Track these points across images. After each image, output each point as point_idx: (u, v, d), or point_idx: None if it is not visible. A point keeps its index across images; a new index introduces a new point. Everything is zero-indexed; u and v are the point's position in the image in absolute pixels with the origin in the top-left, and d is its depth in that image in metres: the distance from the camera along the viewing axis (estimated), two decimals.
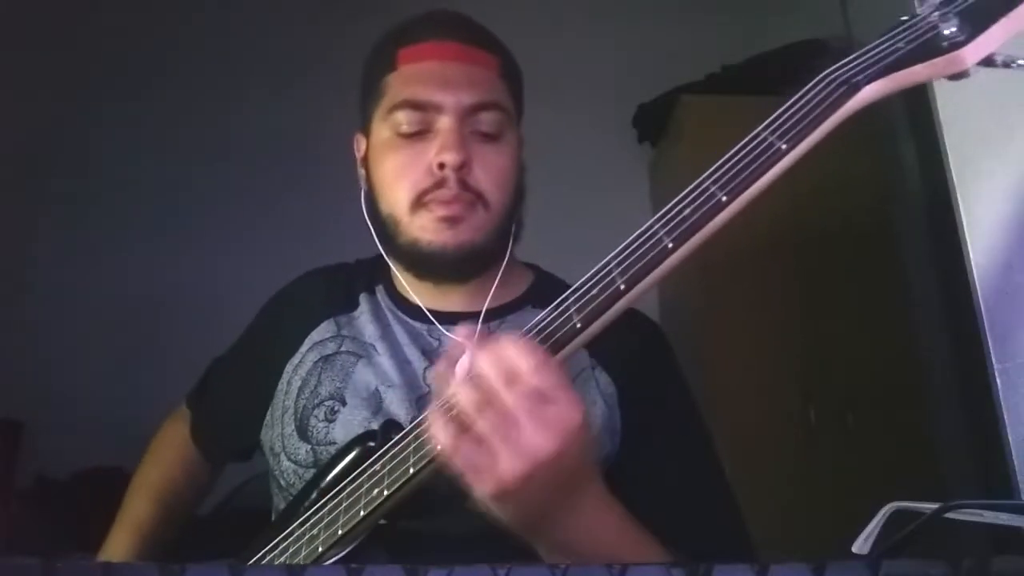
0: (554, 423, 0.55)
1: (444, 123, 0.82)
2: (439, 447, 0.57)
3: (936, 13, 0.55)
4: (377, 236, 0.88)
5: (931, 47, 0.54)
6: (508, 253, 0.88)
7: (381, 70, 0.88)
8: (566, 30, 2.74)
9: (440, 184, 0.81)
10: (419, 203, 0.82)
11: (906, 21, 0.57)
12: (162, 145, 2.55)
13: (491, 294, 0.89)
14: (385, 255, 0.89)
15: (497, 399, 0.55)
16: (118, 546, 0.99)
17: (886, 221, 2.30)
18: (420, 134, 0.83)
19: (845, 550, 0.52)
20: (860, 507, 0.57)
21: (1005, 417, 0.72)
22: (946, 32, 0.54)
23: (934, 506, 0.50)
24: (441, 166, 0.81)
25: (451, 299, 0.88)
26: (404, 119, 0.84)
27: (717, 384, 2.01)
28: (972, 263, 0.76)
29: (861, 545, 0.53)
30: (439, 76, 0.84)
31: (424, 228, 0.83)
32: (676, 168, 2.44)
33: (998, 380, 0.73)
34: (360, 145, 0.92)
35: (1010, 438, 0.72)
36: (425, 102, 0.83)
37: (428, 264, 0.85)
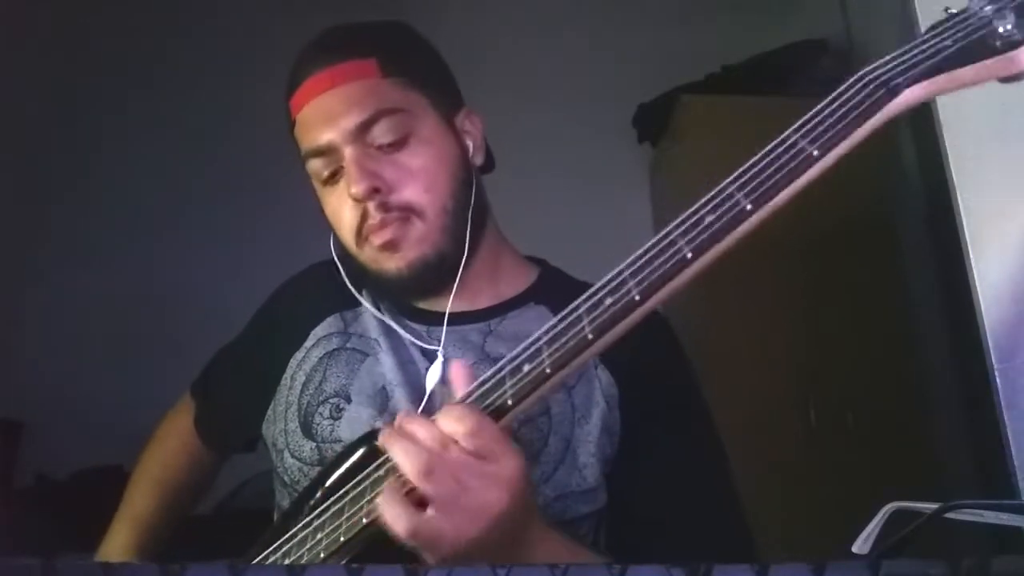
0: (498, 478, 0.57)
1: (346, 155, 0.81)
2: (395, 533, 0.58)
3: (989, 7, 0.49)
4: (347, 274, 0.89)
5: (982, 46, 0.49)
6: (467, 247, 0.84)
7: (289, 127, 0.88)
8: (566, 30, 2.74)
9: (367, 214, 0.81)
10: (360, 238, 0.83)
11: (953, 15, 0.51)
12: (162, 145, 2.55)
13: (489, 291, 0.88)
14: (360, 288, 0.89)
15: (441, 466, 0.57)
16: (118, 540, 0.98)
17: (886, 221, 2.30)
18: (336, 175, 0.83)
19: (845, 550, 0.52)
20: (860, 507, 0.57)
21: (1005, 417, 0.72)
22: (1000, 30, 0.48)
23: (934, 506, 0.50)
24: (359, 200, 0.80)
25: (443, 302, 0.86)
26: (317, 167, 0.84)
27: (717, 384, 2.00)
28: (972, 263, 0.76)
29: (861, 545, 0.52)
30: (321, 114, 0.82)
31: (374, 260, 0.83)
32: (676, 168, 2.43)
33: (998, 380, 0.73)
34: None
35: (1010, 438, 0.72)
36: (320, 147, 0.82)
37: (396, 289, 0.86)
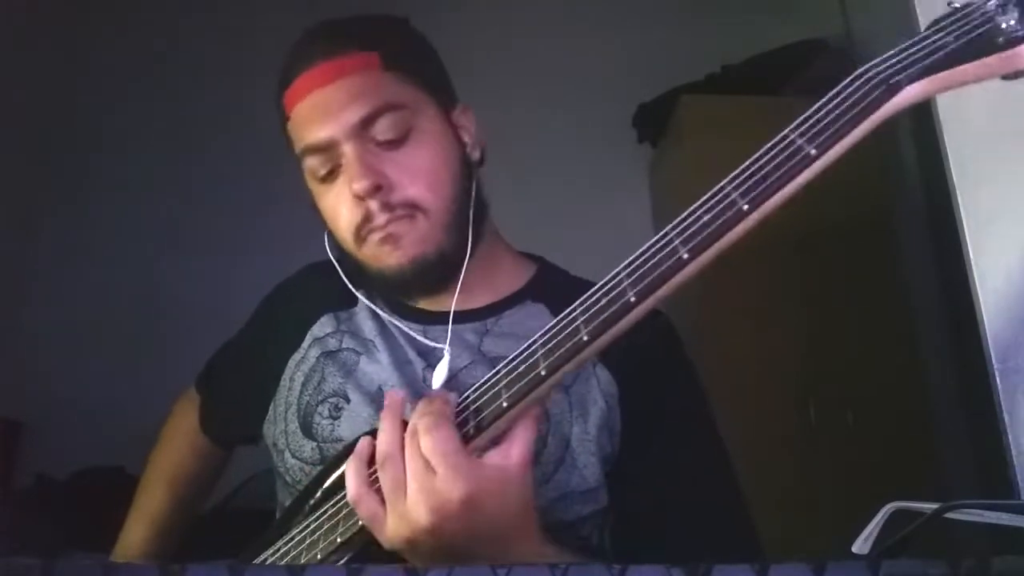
0: (429, 496, 0.57)
1: (347, 152, 0.78)
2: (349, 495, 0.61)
3: (992, 2, 0.48)
4: (346, 273, 0.87)
5: (985, 43, 0.47)
6: (470, 245, 0.83)
7: (281, 122, 0.85)
8: (566, 30, 2.74)
9: (369, 215, 0.78)
10: (359, 237, 0.81)
11: (956, 10, 0.50)
12: (162, 146, 2.55)
13: (486, 289, 0.87)
14: (357, 288, 0.88)
15: (392, 460, 0.59)
16: (133, 536, 0.99)
17: (886, 221, 2.30)
18: (334, 171, 0.80)
19: (845, 550, 0.52)
20: (860, 507, 0.57)
21: (1005, 417, 0.72)
22: (1003, 26, 0.46)
23: (934, 506, 0.50)
24: (361, 197, 0.78)
25: (441, 300, 0.86)
26: (314, 164, 0.81)
27: (717, 384, 2.00)
28: (972, 263, 0.76)
29: (861, 545, 0.52)
30: (320, 108, 0.79)
31: (374, 257, 0.81)
32: (676, 168, 2.43)
33: (998, 380, 0.73)
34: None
35: (1010, 438, 0.72)
36: (319, 143, 0.79)
37: (396, 286, 0.84)
